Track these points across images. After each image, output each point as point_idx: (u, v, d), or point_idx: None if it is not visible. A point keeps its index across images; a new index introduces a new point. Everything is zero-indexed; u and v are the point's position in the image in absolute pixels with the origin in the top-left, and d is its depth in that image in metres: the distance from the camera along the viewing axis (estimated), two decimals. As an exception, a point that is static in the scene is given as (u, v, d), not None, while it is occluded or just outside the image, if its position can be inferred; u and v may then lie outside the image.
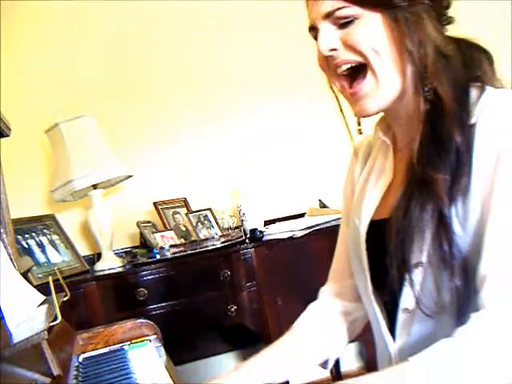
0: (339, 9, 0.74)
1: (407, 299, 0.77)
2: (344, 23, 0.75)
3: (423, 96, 0.75)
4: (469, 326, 0.64)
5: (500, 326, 0.62)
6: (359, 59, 0.76)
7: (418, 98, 0.77)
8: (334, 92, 0.87)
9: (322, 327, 0.96)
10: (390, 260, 0.75)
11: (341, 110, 0.89)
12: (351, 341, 1.00)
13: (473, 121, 0.72)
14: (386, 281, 0.78)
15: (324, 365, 0.96)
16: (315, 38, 0.79)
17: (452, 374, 0.61)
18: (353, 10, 0.74)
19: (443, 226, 0.70)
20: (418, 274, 0.74)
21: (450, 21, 0.79)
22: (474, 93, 0.75)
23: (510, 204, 0.66)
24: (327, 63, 0.80)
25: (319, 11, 0.76)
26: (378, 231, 0.81)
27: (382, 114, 0.89)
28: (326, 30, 0.76)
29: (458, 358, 0.62)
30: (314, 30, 0.79)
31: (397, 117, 0.84)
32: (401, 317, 0.79)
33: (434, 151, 0.73)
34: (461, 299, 0.70)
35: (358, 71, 0.77)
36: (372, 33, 0.74)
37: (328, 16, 0.75)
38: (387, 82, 0.76)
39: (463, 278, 0.70)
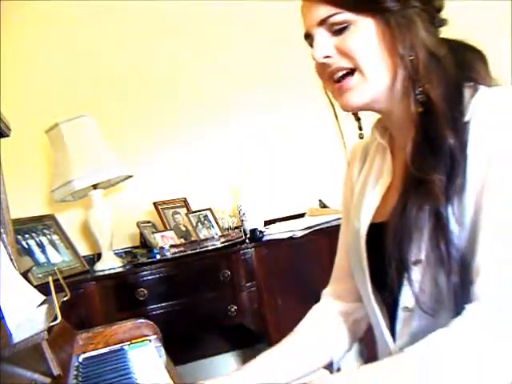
0: (333, 15, 0.75)
1: (407, 298, 0.77)
2: (338, 30, 0.76)
3: (414, 99, 0.76)
4: (463, 318, 0.65)
5: (493, 316, 0.64)
6: (352, 65, 0.77)
7: (409, 100, 0.77)
8: (329, 98, 0.88)
9: (323, 329, 0.96)
10: (389, 260, 0.76)
11: (336, 117, 0.90)
12: (355, 341, 1.00)
13: (466, 119, 0.73)
14: (386, 282, 0.78)
15: (329, 367, 0.96)
16: (311, 45, 0.80)
17: (447, 364, 0.62)
18: (346, 16, 0.75)
19: (440, 226, 0.71)
20: (416, 273, 0.75)
21: (442, 23, 0.80)
22: (467, 92, 0.75)
23: (503, 199, 0.67)
24: (323, 70, 0.80)
25: (314, 18, 0.77)
26: (377, 234, 0.81)
27: (378, 116, 0.90)
28: (321, 37, 0.77)
29: (453, 348, 0.63)
30: (309, 37, 0.80)
31: (391, 119, 0.85)
32: (401, 315, 0.80)
33: (428, 152, 0.74)
34: (459, 296, 0.71)
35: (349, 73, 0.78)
36: (365, 39, 0.76)
37: (322, 23, 0.77)
38: (374, 79, 0.77)
39: (461, 275, 0.71)
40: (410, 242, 0.74)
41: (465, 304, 0.69)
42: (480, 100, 0.73)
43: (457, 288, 0.71)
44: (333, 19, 0.76)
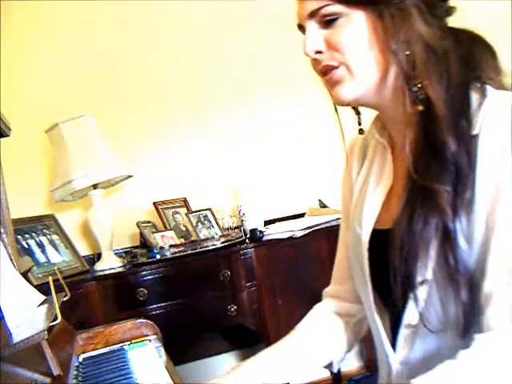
0: (324, 7, 0.73)
1: (411, 315, 0.75)
2: (329, 21, 0.74)
3: (410, 97, 0.73)
4: (474, 349, 0.62)
5: (506, 348, 0.61)
6: (339, 62, 0.75)
7: (404, 99, 0.74)
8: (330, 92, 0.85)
9: (324, 329, 0.95)
10: (394, 277, 0.72)
11: (335, 110, 0.87)
12: (356, 342, 0.98)
13: (475, 132, 0.68)
14: (389, 293, 0.75)
15: (330, 367, 0.95)
16: (304, 33, 0.78)
17: None
18: (337, 8, 0.72)
19: (448, 240, 0.68)
20: (422, 291, 0.72)
21: (448, 12, 0.76)
22: (474, 98, 0.71)
23: None
24: (316, 65, 0.79)
25: (305, 9, 0.75)
26: (380, 241, 0.79)
27: (377, 112, 0.87)
28: (312, 31, 0.75)
29: (461, 382, 0.60)
30: (301, 28, 0.79)
31: (388, 117, 0.82)
32: (403, 332, 0.77)
33: (431, 160, 0.70)
34: (466, 315, 0.68)
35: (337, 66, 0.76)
36: (355, 33, 0.73)
37: (313, 14, 0.75)
38: (360, 75, 0.74)
39: (469, 293, 0.68)
40: (416, 258, 0.70)
41: (472, 324, 0.66)
42: (489, 110, 0.68)
43: (465, 307, 0.68)
44: (323, 11, 0.73)
